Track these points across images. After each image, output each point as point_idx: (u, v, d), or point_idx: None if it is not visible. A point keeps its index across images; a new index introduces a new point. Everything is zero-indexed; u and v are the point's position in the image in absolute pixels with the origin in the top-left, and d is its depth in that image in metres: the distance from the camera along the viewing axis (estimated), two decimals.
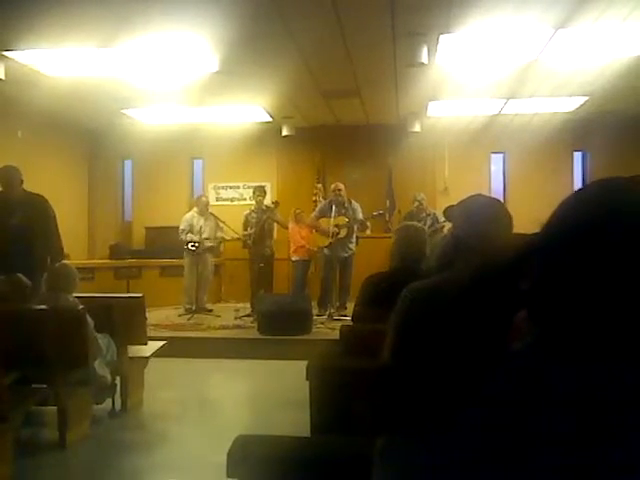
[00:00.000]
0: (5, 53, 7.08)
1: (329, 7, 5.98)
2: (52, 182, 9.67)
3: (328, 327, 8.28)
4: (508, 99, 9.65)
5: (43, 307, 4.60)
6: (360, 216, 9.19)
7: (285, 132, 11.14)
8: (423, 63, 6.88)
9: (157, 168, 12.22)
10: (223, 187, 12.52)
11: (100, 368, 4.71)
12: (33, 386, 4.35)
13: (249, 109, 10.29)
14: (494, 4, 5.84)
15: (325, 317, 8.87)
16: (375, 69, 8.21)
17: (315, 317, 8.55)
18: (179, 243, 9.91)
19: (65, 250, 6.34)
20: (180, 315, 9.46)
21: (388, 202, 11.50)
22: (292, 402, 4.78)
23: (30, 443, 4.47)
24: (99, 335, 4.77)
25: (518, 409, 0.71)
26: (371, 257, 9.29)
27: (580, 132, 11.22)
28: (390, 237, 5.15)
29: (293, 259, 9.77)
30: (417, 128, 10.87)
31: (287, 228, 9.78)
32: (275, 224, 9.63)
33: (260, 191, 9.53)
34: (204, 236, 9.69)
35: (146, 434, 4.98)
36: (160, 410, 5.50)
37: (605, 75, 8.04)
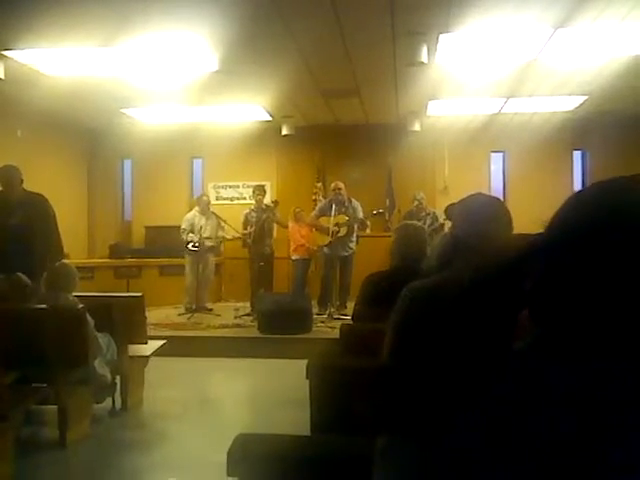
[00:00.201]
0: (5, 52, 7.08)
1: (328, 6, 5.98)
2: (52, 181, 9.66)
3: (328, 326, 8.29)
4: (508, 98, 9.65)
5: (43, 306, 4.60)
6: (360, 215, 9.19)
7: (285, 131, 11.14)
8: (423, 62, 6.88)
9: (157, 167, 12.22)
10: (223, 186, 12.52)
11: (100, 367, 4.71)
12: (33, 385, 4.35)
13: (249, 108, 10.29)
14: (494, 3, 5.84)
15: (325, 316, 8.87)
16: (375, 68, 8.21)
17: (315, 316, 8.55)
18: (179, 242, 9.92)
19: (65, 249, 6.34)
20: (180, 314, 9.47)
21: (388, 201, 11.51)
22: (292, 401, 4.79)
23: (30, 442, 4.48)
24: (99, 334, 4.77)
25: (518, 409, 0.71)
26: (371, 256, 9.28)
27: (580, 131, 11.22)
28: (390, 236, 5.14)
29: (293, 258, 9.78)
30: (417, 127, 10.87)
31: (287, 227, 9.79)
32: (275, 223, 9.64)
33: (260, 190, 9.54)
34: (205, 235, 9.68)
35: (146, 433, 4.99)
36: (160, 409, 5.50)
37: (604, 74, 8.04)
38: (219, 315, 9.44)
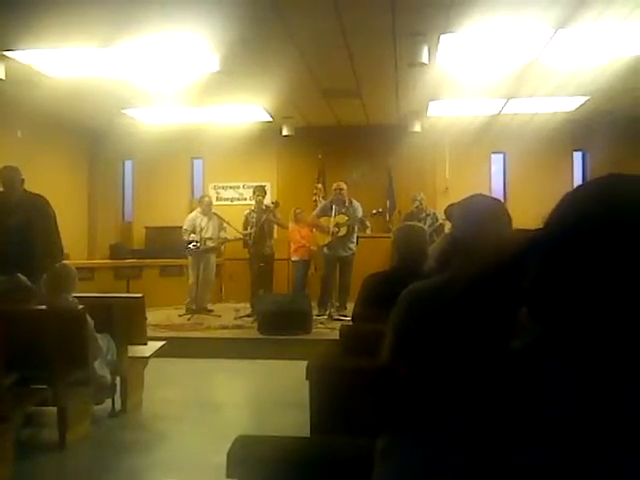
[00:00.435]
0: (6, 53, 7.08)
1: (329, 7, 5.98)
2: (52, 182, 9.66)
3: (328, 327, 8.29)
4: (508, 99, 9.65)
5: (43, 307, 4.60)
6: (360, 215, 9.18)
7: (285, 132, 11.14)
8: (423, 63, 6.88)
9: (157, 168, 12.22)
10: (223, 187, 12.52)
11: (100, 368, 4.71)
12: (33, 386, 4.34)
13: (249, 109, 10.29)
14: (494, 4, 5.84)
15: (325, 317, 8.87)
16: (375, 69, 8.21)
17: (315, 317, 8.55)
18: (179, 243, 9.92)
19: (65, 250, 6.34)
20: (180, 315, 9.46)
21: (388, 202, 11.52)
22: (292, 402, 4.78)
23: (30, 443, 4.47)
24: (99, 335, 4.76)
25: (514, 409, 0.71)
26: (371, 257, 9.29)
27: (580, 132, 11.22)
28: (390, 237, 5.14)
29: (293, 259, 9.78)
30: (417, 128, 10.87)
31: (287, 228, 9.79)
32: (275, 224, 9.64)
33: (260, 191, 9.54)
34: (207, 236, 9.69)
35: (146, 434, 4.98)
36: (160, 410, 5.49)
37: (605, 75, 8.04)
38: (219, 316, 9.44)
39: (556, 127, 10.80)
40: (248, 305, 9.42)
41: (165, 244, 11.40)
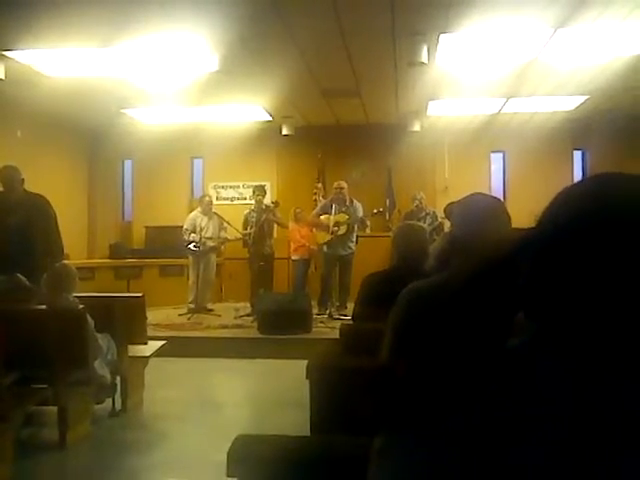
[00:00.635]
0: (5, 53, 7.08)
1: (329, 6, 5.98)
2: (52, 182, 9.66)
3: (328, 326, 8.29)
4: (508, 98, 9.65)
5: (43, 307, 4.60)
6: (361, 214, 9.18)
7: (285, 131, 11.14)
8: (423, 62, 6.88)
9: (157, 167, 12.22)
10: (223, 186, 12.52)
11: (100, 368, 4.71)
12: (33, 386, 4.35)
13: (249, 108, 10.29)
14: (494, 4, 5.84)
15: (325, 316, 8.87)
16: (375, 68, 8.21)
17: (315, 316, 8.55)
18: (179, 242, 9.92)
19: (65, 250, 6.34)
20: (180, 315, 9.46)
21: (388, 201, 11.52)
22: (292, 401, 4.78)
23: (30, 443, 4.47)
24: (99, 335, 4.77)
25: (513, 407, 0.71)
26: (371, 256, 9.29)
27: (580, 131, 11.22)
28: (390, 236, 5.14)
29: (293, 258, 9.78)
30: (417, 127, 10.88)
31: (287, 227, 9.79)
32: (275, 223, 9.64)
33: (260, 190, 9.54)
34: (207, 235, 9.69)
35: (146, 434, 4.98)
36: (160, 410, 5.50)
37: (605, 74, 8.04)
38: (219, 315, 9.44)
39: (556, 126, 10.80)
40: (248, 304, 9.42)
41: (165, 244, 11.40)
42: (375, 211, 9.88)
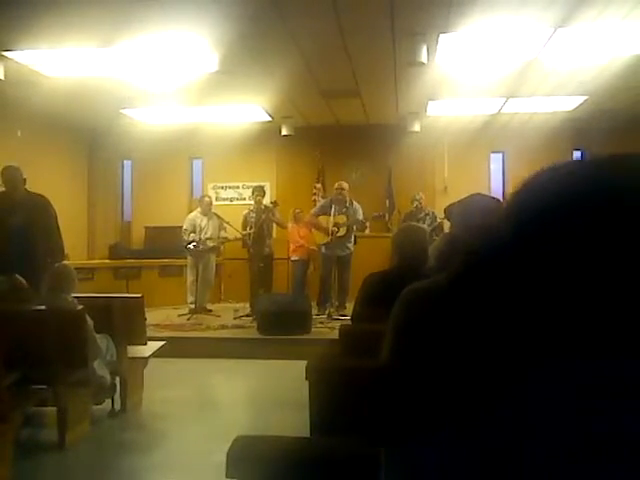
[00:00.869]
0: (5, 53, 7.08)
1: (329, 6, 5.97)
2: (51, 182, 9.66)
3: (327, 327, 8.28)
4: (507, 98, 9.65)
5: (42, 308, 4.60)
6: (360, 217, 9.18)
7: (284, 132, 11.13)
8: (422, 62, 6.88)
9: (156, 168, 12.22)
10: (222, 187, 12.52)
11: (99, 368, 4.71)
12: (32, 386, 4.34)
13: (248, 109, 10.29)
14: (493, 3, 5.84)
15: (324, 317, 8.87)
16: (375, 69, 8.21)
17: (314, 317, 8.55)
18: (179, 243, 9.91)
19: (65, 250, 6.34)
20: (180, 315, 9.46)
21: (388, 202, 11.52)
22: (291, 402, 4.77)
23: (29, 443, 4.47)
24: (98, 335, 4.76)
25: (517, 410, 0.70)
26: (370, 257, 9.29)
27: (579, 131, 11.22)
28: (389, 237, 5.15)
29: (292, 259, 9.78)
30: (416, 128, 10.87)
31: (286, 228, 9.79)
32: (274, 224, 9.64)
33: (259, 191, 9.54)
34: (207, 236, 9.69)
35: (145, 434, 4.98)
36: (159, 410, 5.49)
37: (604, 74, 8.04)
38: (219, 316, 9.43)
39: (555, 126, 10.80)
40: (247, 305, 9.41)
41: (165, 244, 11.39)
42: (376, 214, 9.90)
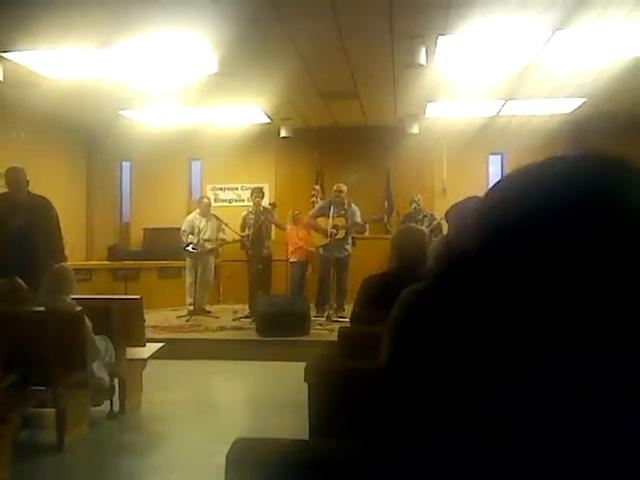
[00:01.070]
0: (3, 54, 7.08)
1: (327, 8, 5.98)
2: (50, 183, 9.64)
3: (326, 328, 8.28)
4: (506, 100, 9.66)
5: (41, 309, 4.60)
6: (358, 219, 9.19)
7: (283, 133, 11.13)
8: (421, 64, 6.88)
9: (155, 169, 12.21)
10: (221, 188, 12.51)
11: (98, 370, 4.71)
12: (31, 388, 4.34)
13: (247, 110, 10.29)
14: (492, 6, 5.85)
15: (323, 318, 8.87)
16: (373, 70, 8.21)
17: (313, 318, 8.55)
18: (177, 244, 9.91)
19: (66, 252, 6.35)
20: (178, 317, 9.45)
21: (386, 204, 11.52)
22: (290, 404, 4.77)
23: (28, 445, 4.46)
24: (97, 337, 4.76)
25: (512, 409, 0.70)
26: (369, 258, 9.29)
27: (578, 133, 11.22)
28: (388, 239, 5.15)
29: (291, 260, 9.78)
30: (415, 130, 10.87)
31: (285, 229, 9.79)
32: (273, 225, 9.64)
33: (258, 192, 9.54)
34: (205, 237, 9.69)
35: (144, 436, 4.98)
36: (158, 412, 5.49)
37: (603, 76, 8.05)
38: (217, 317, 9.43)
39: (554, 128, 10.80)
40: (246, 306, 9.41)
41: (163, 246, 11.38)
42: (375, 217, 9.91)
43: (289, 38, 6.79)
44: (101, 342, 4.85)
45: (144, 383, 5.62)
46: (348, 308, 6.14)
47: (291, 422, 3.82)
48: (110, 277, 10.65)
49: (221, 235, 9.85)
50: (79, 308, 4.64)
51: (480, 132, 11.16)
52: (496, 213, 0.78)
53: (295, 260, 9.70)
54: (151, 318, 8.03)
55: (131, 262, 11.05)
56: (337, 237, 8.96)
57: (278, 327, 7.85)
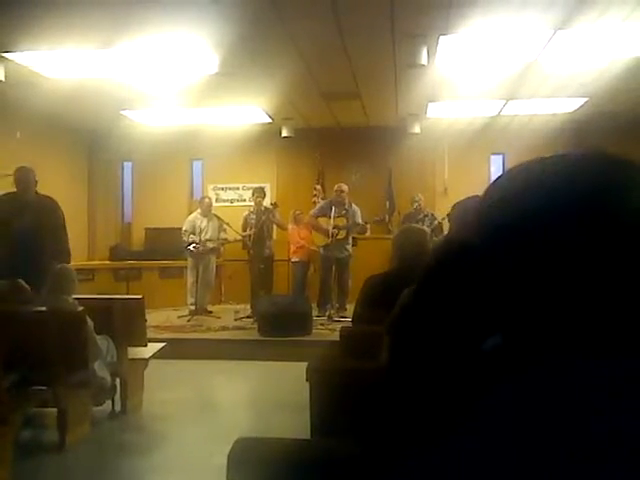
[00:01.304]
0: (5, 55, 7.08)
1: (328, 8, 5.97)
2: (52, 184, 9.63)
3: (328, 328, 8.29)
4: (507, 100, 9.65)
5: (43, 309, 4.60)
6: (359, 220, 9.19)
7: (285, 133, 11.13)
8: (423, 64, 6.88)
9: (157, 169, 12.22)
10: (223, 188, 12.51)
11: (100, 370, 4.71)
12: (33, 388, 4.34)
13: (249, 110, 10.29)
14: (493, 5, 5.84)
15: (325, 318, 8.87)
16: (375, 70, 8.21)
17: (315, 318, 8.55)
18: (179, 244, 9.91)
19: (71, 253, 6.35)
20: (180, 317, 9.46)
21: (388, 203, 11.52)
22: (292, 404, 4.77)
23: (30, 445, 4.47)
24: (99, 337, 4.77)
25: (512, 409, 0.70)
26: (371, 258, 9.29)
27: (580, 133, 11.21)
28: (389, 239, 5.15)
29: (292, 260, 9.78)
30: (417, 129, 10.87)
31: (286, 229, 9.80)
32: (274, 225, 9.64)
33: (259, 192, 9.54)
34: (206, 237, 9.69)
35: (146, 436, 4.98)
36: (160, 412, 5.49)
37: (605, 76, 8.04)
38: (219, 317, 9.44)
39: (556, 128, 10.78)
40: (248, 306, 9.41)
41: (165, 245, 11.39)
42: (377, 219, 9.92)
43: (290, 38, 6.78)
44: (103, 342, 4.85)
45: (145, 383, 5.62)
46: (350, 308, 6.14)
47: (292, 422, 3.83)
48: (112, 277, 10.65)
49: (222, 235, 9.85)
50: (81, 308, 4.64)
51: (481, 132, 11.16)
52: (496, 212, 0.78)
53: (297, 260, 9.70)
54: (153, 318, 8.04)
55: (133, 262, 11.06)
56: (338, 237, 8.96)
57: (280, 327, 7.85)
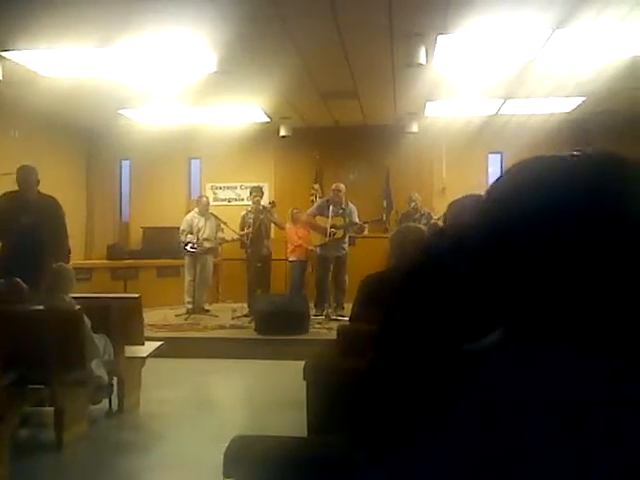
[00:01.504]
0: (2, 53, 7.07)
1: (327, 7, 5.97)
2: (49, 182, 9.58)
3: (325, 327, 8.29)
4: (505, 99, 9.65)
5: (40, 308, 4.60)
6: (356, 219, 9.20)
7: (283, 132, 11.13)
8: (421, 64, 6.88)
9: (154, 168, 12.21)
10: (220, 187, 12.51)
11: (97, 368, 4.70)
12: (30, 386, 4.34)
13: (247, 109, 10.29)
14: (491, 5, 5.85)
15: (322, 317, 8.87)
16: (373, 70, 8.21)
17: (312, 317, 8.55)
18: (176, 243, 9.91)
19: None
20: (177, 315, 9.46)
21: (385, 202, 11.53)
22: (289, 402, 4.78)
23: (27, 444, 4.47)
24: (96, 335, 4.76)
25: (497, 412, 0.70)
26: (368, 257, 9.29)
27: (577, 132, 11.22)
28: (387, 237, 5.15)
29: (290, 259, 9.78)
30: (415, 129, 10.88)
31: (284, 228, 9.80)
32: (272, 224, 9.64)
33: (257, 191, 9.55)
34: (204, 236, 9.69)
35: (143, 434, 4.98)
36: (157, 410, 5.49)
37: (602, 76, 8.05)
38: (216, 316, 9.44)
39: (554, 127, 10.79)
40: (245, 305, 9.42)
41: (162, 244, 11.39)
42: (375, 219, 9.94)
43: (288, 37, 6.78)
44: (100, 340, 4.85)
45: (143, 381, 5.61)
46: (347, 306, 6.14)
47: (289, 420, 3.83)
48: (109, 276, 10.64)
49: (220, 234, 9.85)
50: (78, 307, 4.63)
51: (479, 131, 11.16)
52: (496, 211, 0.79)
53: (294, 259, 9.71)
54: (150, 317, 8.03)
55: (130, 261, 11.06)
56: (335, 237, 8.97)
57: (277, 326, 7.86)
